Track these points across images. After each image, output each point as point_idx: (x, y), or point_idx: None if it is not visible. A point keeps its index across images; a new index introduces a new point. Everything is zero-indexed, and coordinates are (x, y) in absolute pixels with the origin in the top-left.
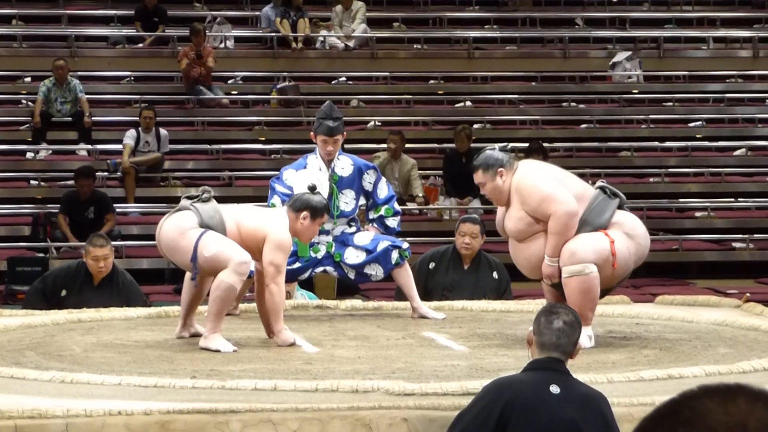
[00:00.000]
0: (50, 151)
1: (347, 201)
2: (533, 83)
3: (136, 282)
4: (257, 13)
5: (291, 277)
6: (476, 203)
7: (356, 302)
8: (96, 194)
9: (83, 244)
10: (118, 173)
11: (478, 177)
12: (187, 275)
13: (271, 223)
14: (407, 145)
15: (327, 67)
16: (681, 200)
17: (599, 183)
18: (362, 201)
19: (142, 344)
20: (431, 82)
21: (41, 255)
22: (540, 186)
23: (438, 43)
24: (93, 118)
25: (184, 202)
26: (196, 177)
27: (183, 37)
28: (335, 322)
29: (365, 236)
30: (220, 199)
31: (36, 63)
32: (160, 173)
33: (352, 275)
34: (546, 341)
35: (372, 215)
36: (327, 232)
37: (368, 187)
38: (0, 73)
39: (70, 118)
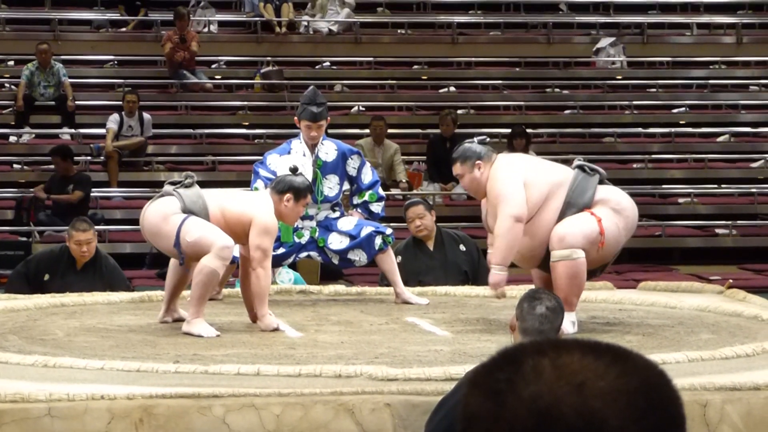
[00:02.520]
0: (33, 135)
1: (331, 186)
2: (517, 68)
3: (119, 266)
4: None
5: (275, 262)
6: (459, 189)
7: (339, 287)
8: (77, 175)
9: (66, 228)
10: (102, 157)
11: (456, 169)
12: (173, 260)
13: (256, 206)
14: (390, 131)
15: (311, 51)
16: (664, 186)
17: (576, 162)
18: (346, 186)
19: (125, 329)
20: (415, 67)
21: (24, 239)
22: (500, 184)
23: (422, 28)
24: (76, 102)
25: (167, 188)
26: (180, 161)
27: (167, 21)
28: (318, 307)
29: (349, 221)
30: (204, 184)
31: (19, 46)
32: (143, 157)
33: (335, 261)
34: (528, 327)
35: (356, 200)
36: (311, 218)
37: (352, 172)
38: None
39: (53, 102)
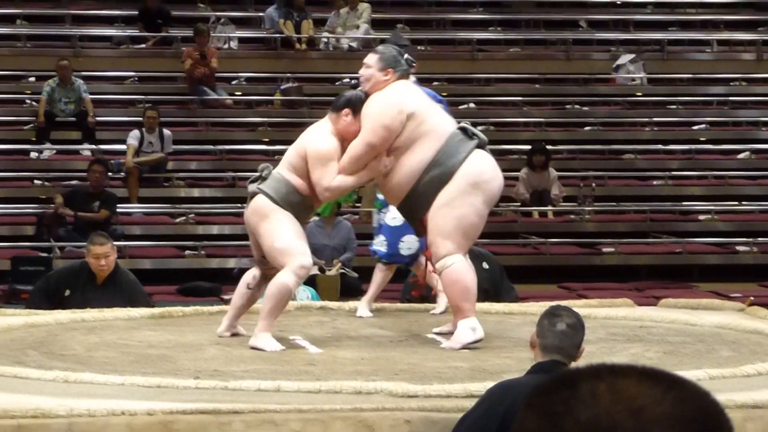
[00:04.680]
0: (54, 151)
1: None
2: (536, 85)
3: (139, 282)
4: (261, 14)
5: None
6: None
7: (359, 303)
8: (106, 192)
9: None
10: (122, 173)
11: (369, 59)
12: (244, 279)
13: (308, 137)
14: None
15: (330, 68)
16: (684, 203)
17: (461, 123)
18: None
19: (145, 344)
20: (435, 83)
21: (45, 254)
22: (383, 106)
23: (441, 44)
24: (96, 118)
25: (252, 188)
26: (199, 177)
27: (187, 37)
28: (338, 323)
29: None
30: (223, 200)
31: (40, 63)
32: (164, 173)
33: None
34: (549, 344)
35: None
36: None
37: None
38: (4, 72)
39: (73, 118)
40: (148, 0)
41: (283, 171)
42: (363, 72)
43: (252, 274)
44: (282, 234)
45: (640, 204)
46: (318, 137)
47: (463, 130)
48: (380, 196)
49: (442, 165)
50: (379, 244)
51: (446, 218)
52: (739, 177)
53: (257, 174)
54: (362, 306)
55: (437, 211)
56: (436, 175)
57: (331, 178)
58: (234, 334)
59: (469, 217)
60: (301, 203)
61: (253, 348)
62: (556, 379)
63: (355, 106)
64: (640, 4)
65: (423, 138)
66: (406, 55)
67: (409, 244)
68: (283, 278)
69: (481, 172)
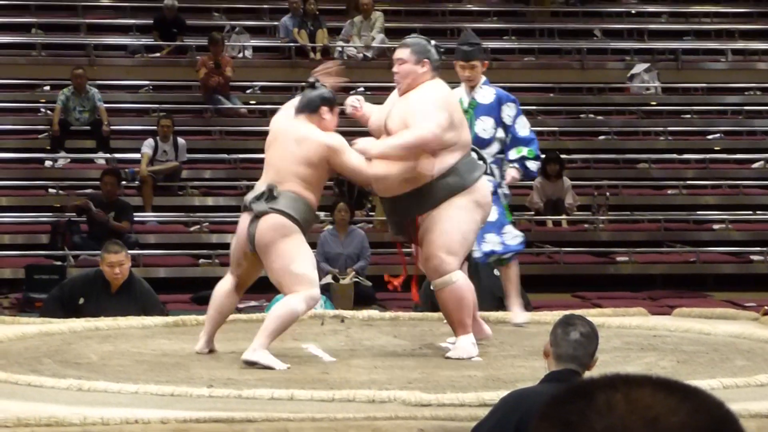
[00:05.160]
0: (69, 160)
1: (485, 128)
2: (551, 94)
3: (153, 290)
4: (275, 23)
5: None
6: None
7: (373, 312)
8: (119, 201)
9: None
10: (136, 182)
11: (401, 53)
12: (219, 288)
13: (312, 142)
14: None
15: (345, 76)
16: (699, 212)
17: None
18: (500, 134)
19: (159, 353)
20: None
21: (59, 263)
22: (435, 100)
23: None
24: (111, 127)
25: (260, 207)
26: (214, 186)
27: (201, 46)
28: (352, 331)
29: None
30: (237, 209)
31: (55, 71)
32: (178, 182)
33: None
34: (563, 353)
35: (513, 155)
36: None
37: (507, 120)
38: (19, 81)
39: (88, 127)
40: (164, 9)
41: (295, 188)
42: (398, 68)
43: (225, 286)
44: (301, 260)
45: (655, 213)
46: (320, 137)
47: (475, 151)
48: None
49: (460, 176)
50: (494, 244)
51: (453, 233)
52: (753, 186)
53: (261, 191)
54: (516, 312)
55: (443, 225)
56: (451, 183)
57: (365, 162)
58: (211, 351)
59: (471, 235)
60: (314, 219)
61: (250, 363)
62: (571, 389)
63: (330, 102)
64: (655, 14)
65: (452, 145)
66: (433, 42)
67: (512, 233)
68: (294, 304)
69: (487, 195)
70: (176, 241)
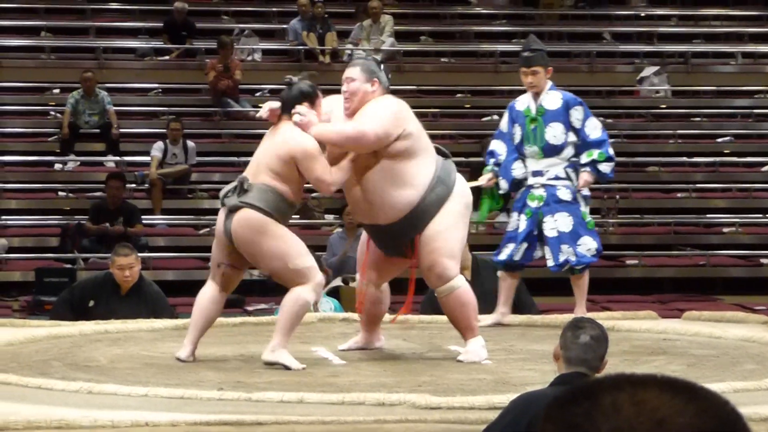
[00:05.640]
0: (78, 163)
1: (555, 134)
2: None
3: (163, 293)
4: (284, 26)
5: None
6: (503, 217)
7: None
8: (126, 205)
9: (110, 255)
10: (146, 185)
11: (352, 72)
12: (202, 295)
13: (288, 139)
14: None
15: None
16: (708, 216)
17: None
18: (572, 138)
19: (169, 355)
20: (458, 95)
21: (69, 266)
22: (383, 110)
23: (465, 56)
24: (120, 130)
25: (233, 201)
26: None
27: (210, 49)
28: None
29: (566, 222)
30: None
31: (64, 74)
32: (187, 185)
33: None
34: (573, 356)
35: (584, 159)
36: (540, 173)
37: (576, 123)
38: (28, 84)
39: (97, 130)
40: (174, 12)
41: (266, 180)
42: (348, 86)
43: (208, 292)
44: (294, 253)
45: (664, 216)
46: (297, 137)
47: (437, 149)
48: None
49: (444, 183)
50: (569, 254)
51: (452, 239)
52: (763, 189)
53: (234, 185)
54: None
55: (442, 232)
56: (440, 193)
57: (329, 172)
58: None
59: (465, 237)
60: (289, 210)
61: (271, 364)
62: (575, 390)
63: (311, 97)
64: (665, 17)
65: (423, 153)
66: (383, 66)
67: (587, 244)
68: (305, 295)
69: (468, 192)
70: (185, 244)
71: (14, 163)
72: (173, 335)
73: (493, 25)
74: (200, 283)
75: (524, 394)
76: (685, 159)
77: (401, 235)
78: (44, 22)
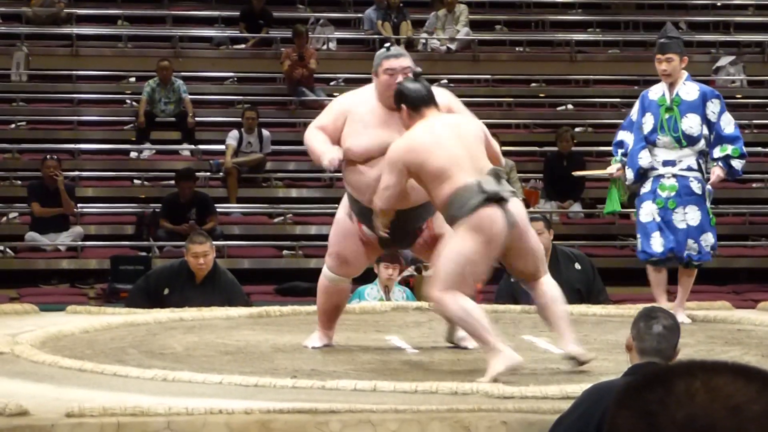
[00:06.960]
0: (154, 151)
1: (692, 125)
2: (635, 87)
3: (238, 281)
4: (359, 15)
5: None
6: (577, 207)
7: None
8: (198, 195)
9: (185, 243)
10: (221, 173)
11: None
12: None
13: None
14: (507, 148)
15: (429, 69)
16: None
17: None
18: (705, 131)
19: (243, 344)
20: (533, 85)
21: (144, 254)
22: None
23: (540, 46)
24: (196, 119)
25: (508, 190)
26: (298, 178)
27: (286, 38)
28: (434, 323)
29: (695, 216)
30: (321, 200)
31: (140, 63)
32: (262, 174)
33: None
34: (646, 347)
35: (717, 153)
36: (673, 163)
37: (711, 116)
38: (105, 72)
39: (173, 118)
40: (253, 1)
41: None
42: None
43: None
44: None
45: (739, 207)
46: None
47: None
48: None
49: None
50: (692, 249)
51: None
52: None
53: (489, 178)
54: (679, 314)
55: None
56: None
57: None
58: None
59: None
60: None
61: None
62: (648, 376)
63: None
64: (741, 6)
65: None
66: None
67: (708, 241)
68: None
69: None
70: (260, 232)
71: (91, 151)
72: (248, 323)
73: (568, 14)
74: (275, 271)
75: (597, 384)
76: (761, 149)
77: (413, 220)
78: (121, 11)
